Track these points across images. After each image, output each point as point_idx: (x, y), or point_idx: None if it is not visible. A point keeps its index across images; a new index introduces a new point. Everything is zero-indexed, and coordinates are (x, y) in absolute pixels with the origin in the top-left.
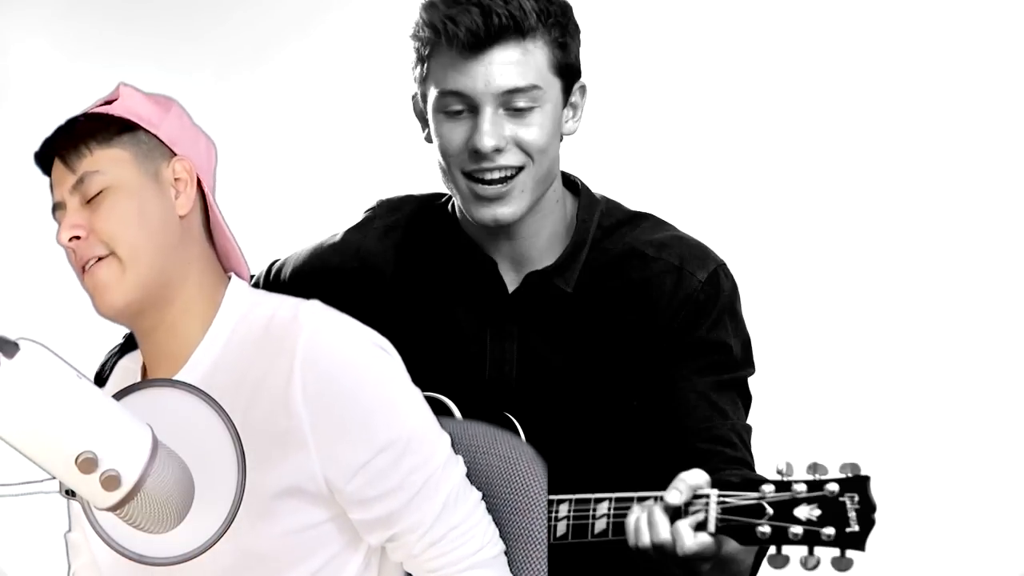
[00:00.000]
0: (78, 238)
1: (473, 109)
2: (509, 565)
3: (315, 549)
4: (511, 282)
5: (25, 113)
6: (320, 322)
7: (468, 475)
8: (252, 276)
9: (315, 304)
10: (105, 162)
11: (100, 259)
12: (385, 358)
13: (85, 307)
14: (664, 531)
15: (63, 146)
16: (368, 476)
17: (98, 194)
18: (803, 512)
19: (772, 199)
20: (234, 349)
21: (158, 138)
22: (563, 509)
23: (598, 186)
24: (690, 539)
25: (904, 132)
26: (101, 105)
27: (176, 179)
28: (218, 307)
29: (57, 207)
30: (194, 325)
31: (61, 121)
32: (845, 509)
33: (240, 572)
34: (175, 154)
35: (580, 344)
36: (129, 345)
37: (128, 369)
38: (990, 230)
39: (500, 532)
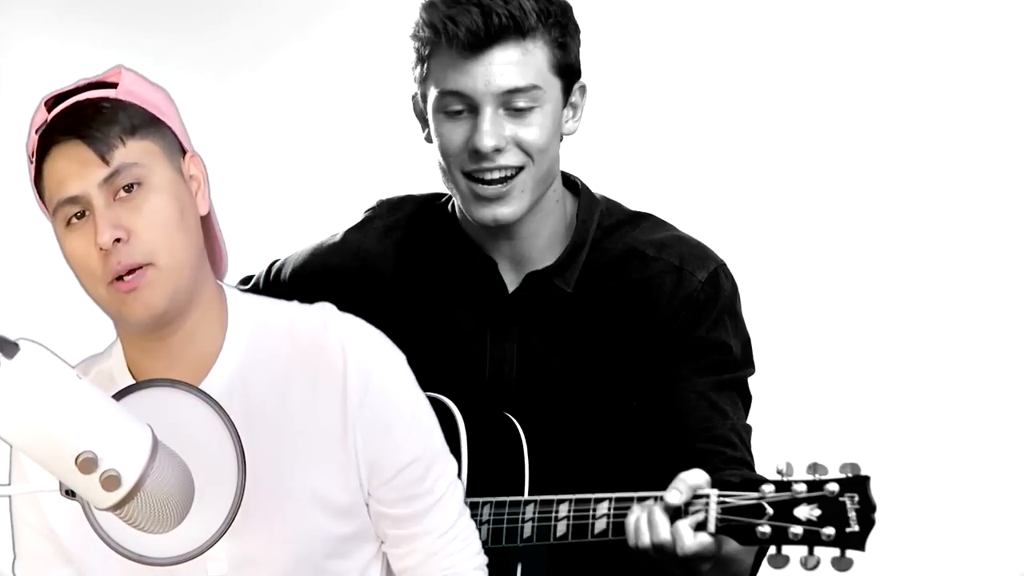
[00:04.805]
0: (118, 240)
1: (473, 109)
2: None
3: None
4: (511, 282)
5: (26, 113)
6: (357, 332)
7: None
8: (251, 277)
9: (333, 309)
10: (140, 154)
11: (140, 268)
12: (409, 369)
13: (85, 307)
14: (664, 531)
15: (90, 132)
16: (406, 479)
17: (130, 189)
18: (803, 512)
19: (772, 199)
20: (262, 360)
21: (172, 131)
22: (563, 509)
23: (598, 186)
24: (690, 539)
25: (904, 132)
26: (100, 87)
27: (190, 176)
28: (226, 313)
29: (73, 200)
30: (212, 332)
31: (57, 96)
32: (845, 509)
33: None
34: (184, 150)
35: (580, 344)
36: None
37: (103, 373)
38: (990, 230)
39: None
